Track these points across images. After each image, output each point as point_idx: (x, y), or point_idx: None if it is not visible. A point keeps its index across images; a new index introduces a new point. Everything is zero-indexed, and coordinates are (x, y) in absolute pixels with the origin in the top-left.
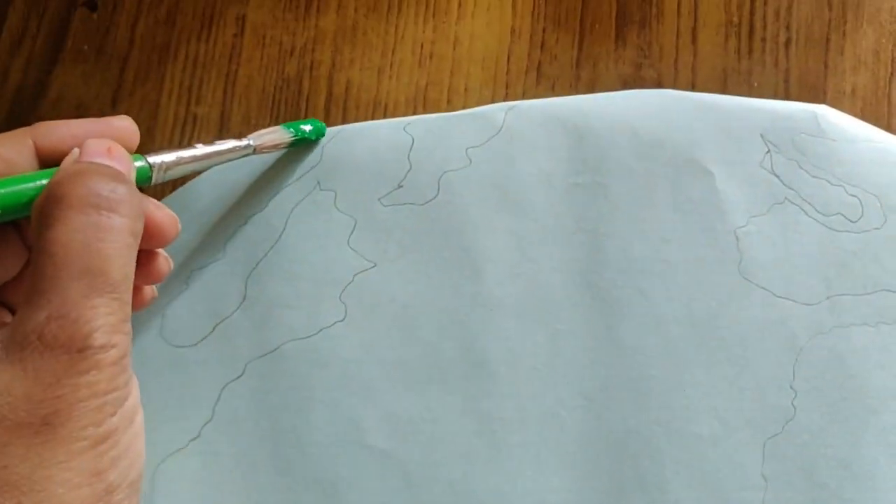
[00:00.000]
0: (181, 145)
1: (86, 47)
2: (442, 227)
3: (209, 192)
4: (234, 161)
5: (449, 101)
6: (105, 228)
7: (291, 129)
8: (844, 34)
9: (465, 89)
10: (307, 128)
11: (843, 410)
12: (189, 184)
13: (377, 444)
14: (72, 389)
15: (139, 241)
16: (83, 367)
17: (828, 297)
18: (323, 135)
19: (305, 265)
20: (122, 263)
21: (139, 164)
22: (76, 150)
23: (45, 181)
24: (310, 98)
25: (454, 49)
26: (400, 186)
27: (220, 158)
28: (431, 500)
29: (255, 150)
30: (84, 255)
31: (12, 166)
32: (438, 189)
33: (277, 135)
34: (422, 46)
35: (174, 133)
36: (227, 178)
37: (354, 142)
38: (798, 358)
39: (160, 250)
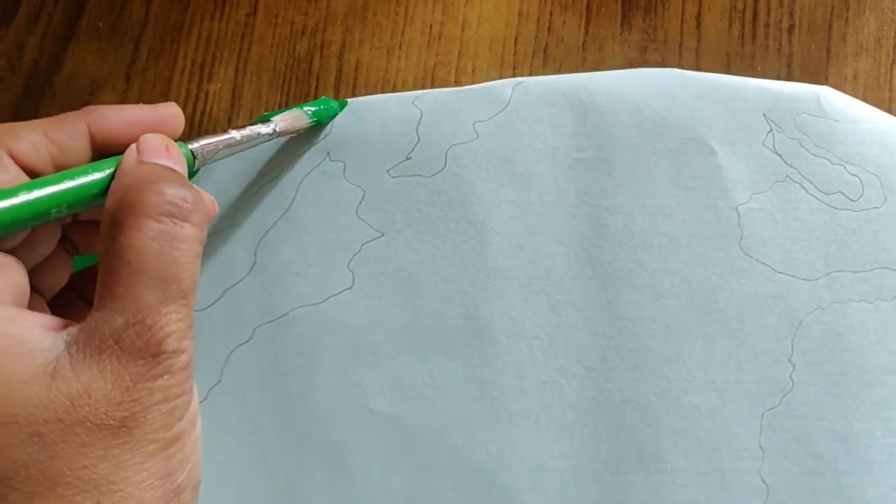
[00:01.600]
0: (217, 132)
1: (101, 24)
2: (448, 198)
3: (222, 162)
4: None
5: (456, 82)
6: (178, 237)
7: (309, 111)
8: (847, 20)
9: (473, 70)
10: (322, 108)
11: (840, 384)
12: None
13: (381, 409)
14: (147, 393)
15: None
16: (157, 372)
17: (827, 274)
18: (336, 114)
19: (315, 234)
20: (193, 271)
21: (184, 151)
22: (134, 147)
23: (104, 173)
24: (320, 77)
25: (462, 30)
26: (408, 158)
27: (251, 143)
28: (433, 464)
29: (279, 134)
30: (159, 263)
31: (66, 152)
32: (446, 162)
33: (297, 118)
34: (430, 27)
35: (186, 110)
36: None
37: (364, 114)
38: (796, 332)
39: None
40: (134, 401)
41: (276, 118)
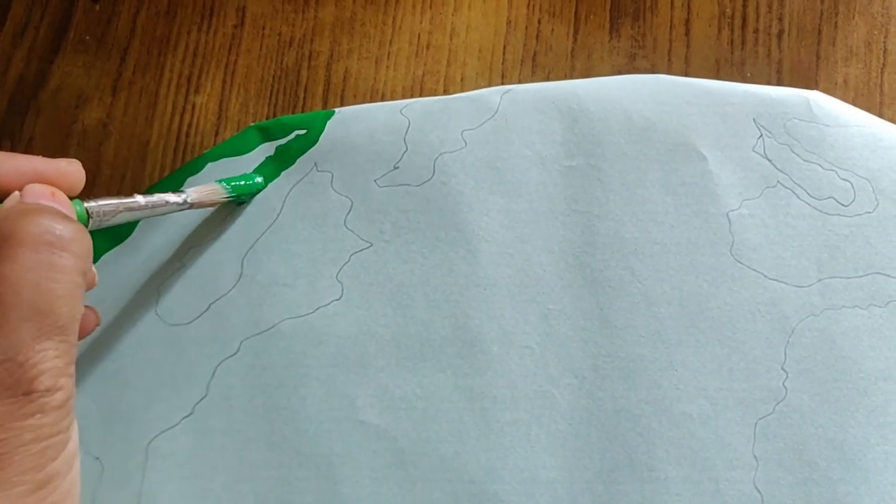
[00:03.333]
0: (120, 194)
1: (87, 37)
2: (437, 207)
3: (209, 173)
4: (235, 142)
5: (445, 91)
6: (56, 268)
7: (228, 186)
8: (836, 25)
9: (462, 79)
10: (243, 183)
11: (834, 391)
12: (191, 162)
13: (370, 421)
14: (16, 433)
15: (86, 282)
16: (28, 411)
17: (819, 280)
18: (261, 190)
19: (302, 245)
20: (72, 305)
21: (77, 209)
22: (17, 193)
23: None
24: (308, 88)
25: (451, 39)
26: (396, 168)
27: (157, 211)
28: (423, 476)
29: (192, 206)
30: (34, 296)
31: None
32: (434, 170)
33: (214, 192)
34: (419, 37)
35: (173, 122)
36: (227, 159)
37: (351, 124)
38: (789, 339)
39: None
40: (1, 441)
41: (189, 189)
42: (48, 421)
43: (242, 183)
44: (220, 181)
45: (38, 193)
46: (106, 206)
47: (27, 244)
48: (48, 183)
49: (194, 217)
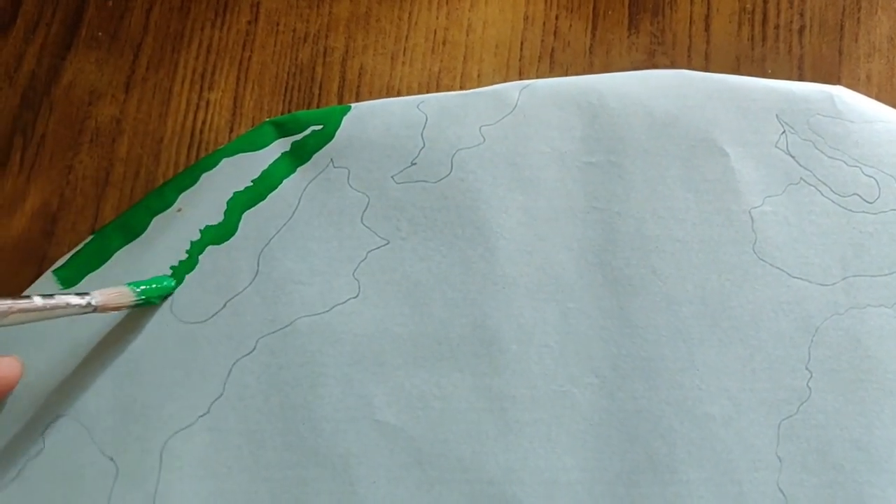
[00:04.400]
0: (16, 295)
1: (100, 34)
2: (455, 204)
3: (223, 169)
4: (250, 138)
5: (462, 87)
6: None
7: (137, 289)
8: (859, 21)
9: (478, 75)
10: (154, 286)
11: (859, 392)
12: (206, 158)
13: (388, 420)
14: None
15: None
16: None
17: (844, 278)
18: (170, 292)
19: (319, 242)
20: None
21: None
22: None
23: None
24: (323, 84)
25: (467, 35)
26: (413, 164)
27: (55, 313)
28: (441, 477)
29: (97, 309)
30: None
31: None
32: (451, 167)
33: (121, 295)
34: (435, 33)
35: (186, 119)
36: (242, 155)
37: (368, 119)
38: (813, 339)
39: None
40: None
41: (95, 292)
42: None
43: (153, 286)
44: (129, 284)
45: None
46: None
47: None
48: None
49: (208, 213)
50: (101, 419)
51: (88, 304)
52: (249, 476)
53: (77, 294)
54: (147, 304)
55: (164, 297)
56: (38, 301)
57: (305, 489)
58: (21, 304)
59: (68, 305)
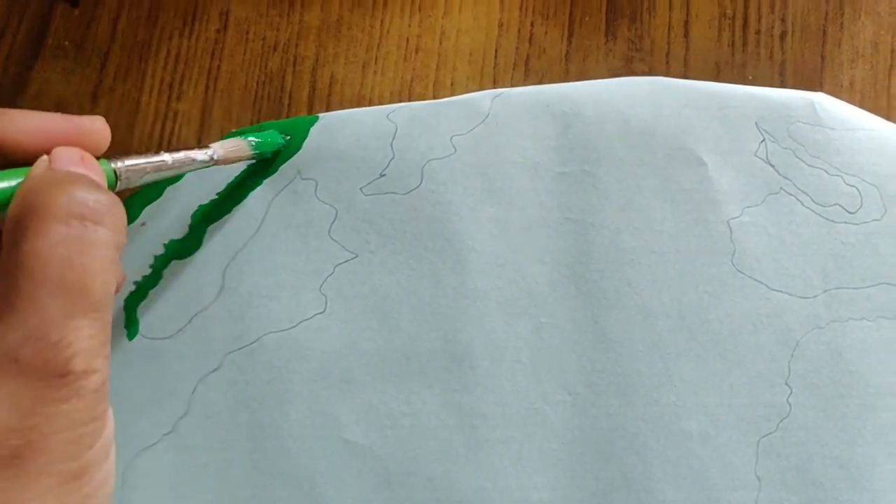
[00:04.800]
0: (148, 152)
1: (66, 43)
2: (425, 216)
3: (187, 181)
4: None
5: (435, 96)
6: (89, 242)
7: (254, 141)
8: (842, 26)
9: (452, 83)
10: (268, 141)
11: (840, 408)
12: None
13: (356, 439)
14: (48, 419)
15: (120, 256)
16: (62, 395)
17: (825, 291)
18: (279, 149)
19: (285, 256)
20: (105, 280)
21: (105, 170)
22: (45, 158)
23: (13, 182)
24: (293, 93)
25: (440, 43)
26: (382, 175)
27: (184, 168)
28: (410, 497)
29: (217, 163)
30: (66, 272)
31: None
32: (422, 178)
33: (238, 147)
34: (407, 40)
35: (154, 129)
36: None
37: (336, 130)
38: (793, 353)
39: None
40: (31, 428)
41: (214, 145)
42: (83, 406)
43: (265, 140)
44: (244, 136)
45: (66, 159)
46: (134, 166)
47: (58, 217)
48: (73, 144)
49: (173, 227)
50: None
51: (210, 157)
52: (215, 496)
53: (199, 148)
54: (262, 157)
55: (276, 151)
56: (167, 158)
57: None
58: (154, 161)
59: (193, 161)
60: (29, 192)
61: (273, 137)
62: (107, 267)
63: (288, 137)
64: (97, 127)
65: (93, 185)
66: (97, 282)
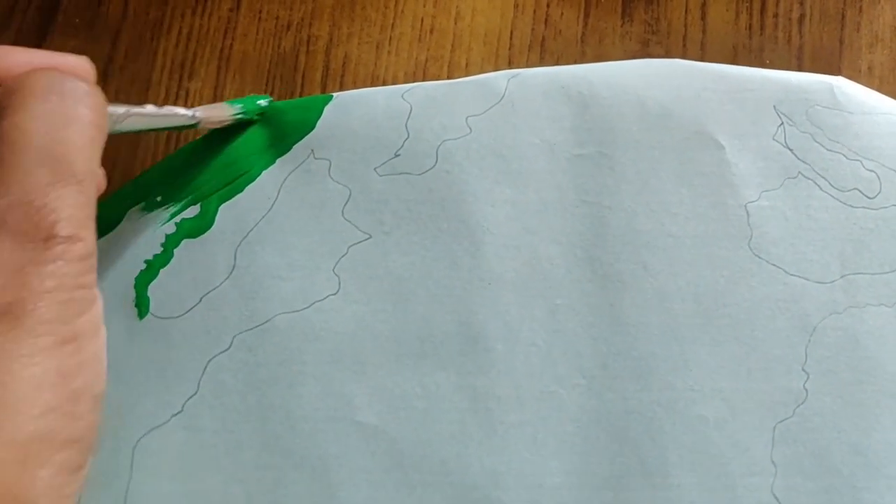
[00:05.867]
0: (132, 104)
1: (77, 20)
2: (440, 197)
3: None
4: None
5: (449, 77)
6: (70, 117)
7: (237, 105)
8: (861, 10)
9: (467, 64)
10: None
11: (858, 394)
12: (184, 148)
13: (368, 421)
14: (38, 278)
15: (103, 141)
16: (49, 256)
17: (843, 276)
18: (264, 110)
19: (298, 236)
20: (88, 157)
21: None
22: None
23: None
24: (306, 73)
25: (455, 23)
26: (397, 155)
27: (166, 122)
28: (423, 480)
29: (200, 123)
30: (48, 142)
31: None
32: (437, 158)
33: (220, 108)
34: (422, 21)
35: None
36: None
37: (350, 109)
38: (811, 339)
39: None
40: (22, 284)
41: (199, 107)
42: (71, 271)
43: (247, 103)
44: (228, 102)
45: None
46: (117, 109)
47: (38, 94)
48: None
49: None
50: None
51: (193, 115)
52: (224, 477)
53: (184, 107)
54: (245, 119)
55: (261, 114)
56: (150, 108)
57: (283, 491)
58: (136, 109)
59: (176, 115)
60: (9, 78)
61: (253, 100)
62: (87, 143)
63: (270, 99)
64: (81, 64)
65: (70, 75)
66: (79, 155)
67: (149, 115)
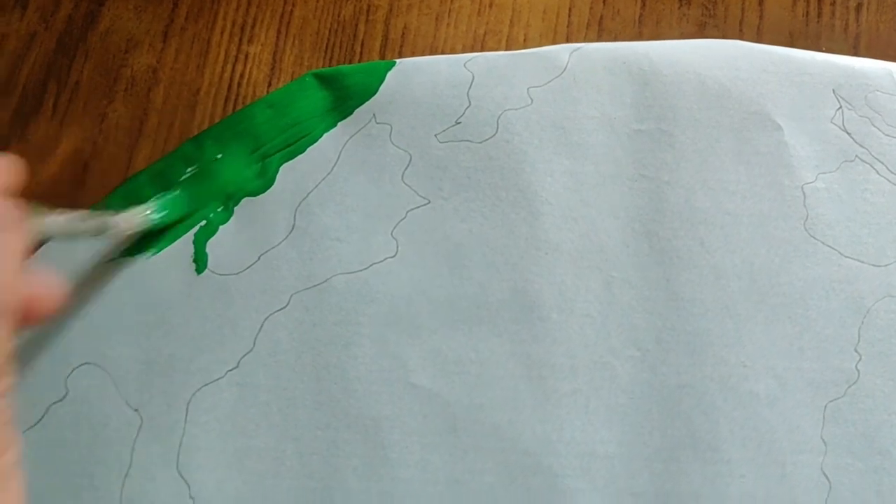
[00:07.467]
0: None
1: None
2: (499, 166)
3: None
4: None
5: (507, 51)
6: None
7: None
8: None
9: (525, 39)
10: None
11: None
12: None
13: (422, 384)
14: None
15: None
16: None
17: None
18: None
19: (357, 198)
20: (13, 288)
21: None
22: None
23: None
24: (365, 42)
25: None
26: (458, 123)
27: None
28: (476, 444)
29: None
30: None
31: None
32: (497, 127)
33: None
34: None
35: (224, 71)
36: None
37: (413, 76)
38: (864, 320)
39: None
40: None
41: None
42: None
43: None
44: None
45: None
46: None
47: None
48: None
49: (244, 163)
50: (127, 368)
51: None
52: (277, 434)
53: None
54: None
55: (184, 218)
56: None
57: (335, 451)
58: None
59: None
60: None
61: (175, 203)
62: (12, 274)
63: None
64: (3, 165)
65: None
66: (4, 289)
67: (67, 224)
